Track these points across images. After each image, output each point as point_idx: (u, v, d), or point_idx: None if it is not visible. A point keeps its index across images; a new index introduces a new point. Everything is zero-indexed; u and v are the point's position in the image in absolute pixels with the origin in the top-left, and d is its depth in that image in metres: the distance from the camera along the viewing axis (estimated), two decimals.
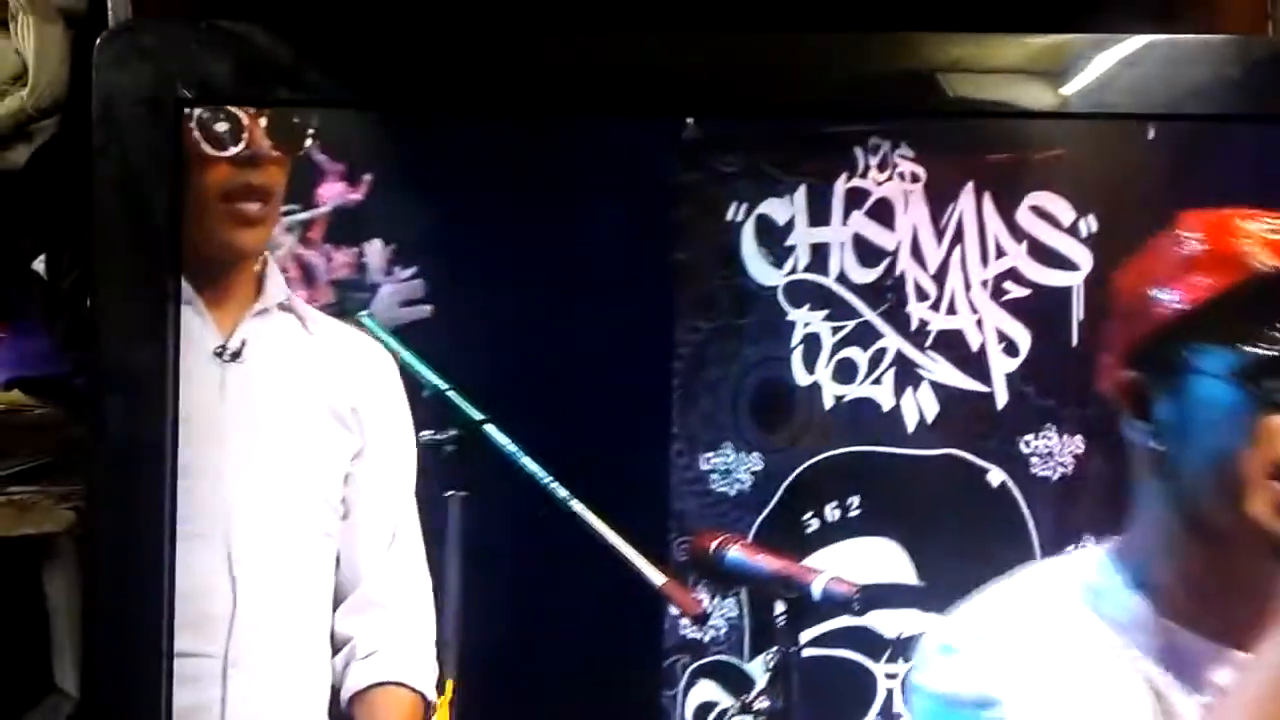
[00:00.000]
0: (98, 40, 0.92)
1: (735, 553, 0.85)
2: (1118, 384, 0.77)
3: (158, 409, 0.93)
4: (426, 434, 0.85)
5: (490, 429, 0.84)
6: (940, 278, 0.85)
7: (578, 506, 0.84)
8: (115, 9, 1.13)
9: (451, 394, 0.84)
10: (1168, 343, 0.73)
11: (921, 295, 0.85)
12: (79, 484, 1.39)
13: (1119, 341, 0.77)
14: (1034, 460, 0.86)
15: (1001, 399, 0.86)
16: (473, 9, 0.92)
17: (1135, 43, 0.79)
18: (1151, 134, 0.82)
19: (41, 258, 1.49)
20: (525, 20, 0.91)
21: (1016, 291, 0.85)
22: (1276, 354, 0.69)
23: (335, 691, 0.86)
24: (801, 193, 0.85)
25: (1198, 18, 0.92)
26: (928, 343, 0.85)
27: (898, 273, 0.85)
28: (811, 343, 0.86)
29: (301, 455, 0.85)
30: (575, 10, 0.89)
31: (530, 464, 0.84)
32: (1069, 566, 0.80)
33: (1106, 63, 0.79)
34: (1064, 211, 0.84)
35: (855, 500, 0.86)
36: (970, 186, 0.84)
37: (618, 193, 0.85)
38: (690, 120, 0.84)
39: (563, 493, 0.84)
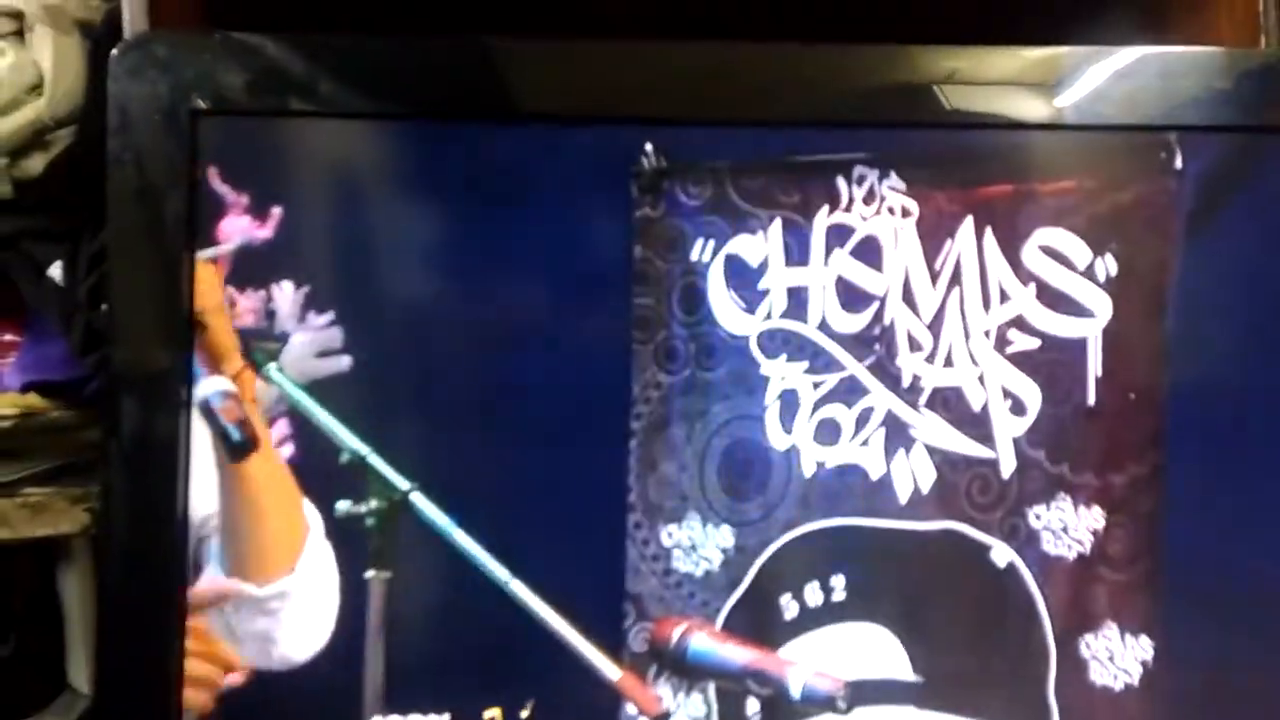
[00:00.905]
0: (114, 51, 0.84)
1: (701, 642, 0.71)
2: None
3: (171, 412, 0.84)
4: (344, 505, 0.71)
5: (417, 499, 0.70)
6: (936, 326, 0.70)
7: (519, 589, 0.69)
8: (131, 20, 1.14)
9: (373, 459, 0.70)
10: None
11: (914, 346, 0.70)
12: (94, 486, 1.33)
13: None
14: (1046, 536, 0.70)
15: (1007, 465, 0.70)
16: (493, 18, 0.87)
17: (1130, 54, 0.67)
18: (1179, 162, 0.66)
19: (58, 264, 1.43)
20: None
21: (1024, 342, 0.70)
22: None
23: None
24: (777, 229, 0.70)
25: (1190, 30, 0.80)
26: (922, 400, 0.70)
27: (887, 320, 0.70)
28: (789, 400, 0.71)
29: None
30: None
31: (464, 539, 0.69)
32: None
33: (1100, 75, 0.72)
34: (1078, 251, 0.69)
35: (840, 581, 0.71)
36: (969, 222, 0.69)
37: (567, 229, 0.72)
38: (649, 147, 0.70)
39: (502, 573, 0.69)
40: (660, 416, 0.71)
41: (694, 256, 0.71)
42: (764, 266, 0.70)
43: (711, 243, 0.71)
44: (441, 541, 0.70)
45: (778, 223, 0.70)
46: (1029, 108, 0.69)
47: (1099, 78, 0.70)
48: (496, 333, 0.71)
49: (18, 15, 1.39)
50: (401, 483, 0.70)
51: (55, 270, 1.54)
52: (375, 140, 0.78)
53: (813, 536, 0.70)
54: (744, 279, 0.71)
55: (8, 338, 1.47)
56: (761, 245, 0.70)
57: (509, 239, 0.71)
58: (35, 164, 1.42)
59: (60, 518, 1.38)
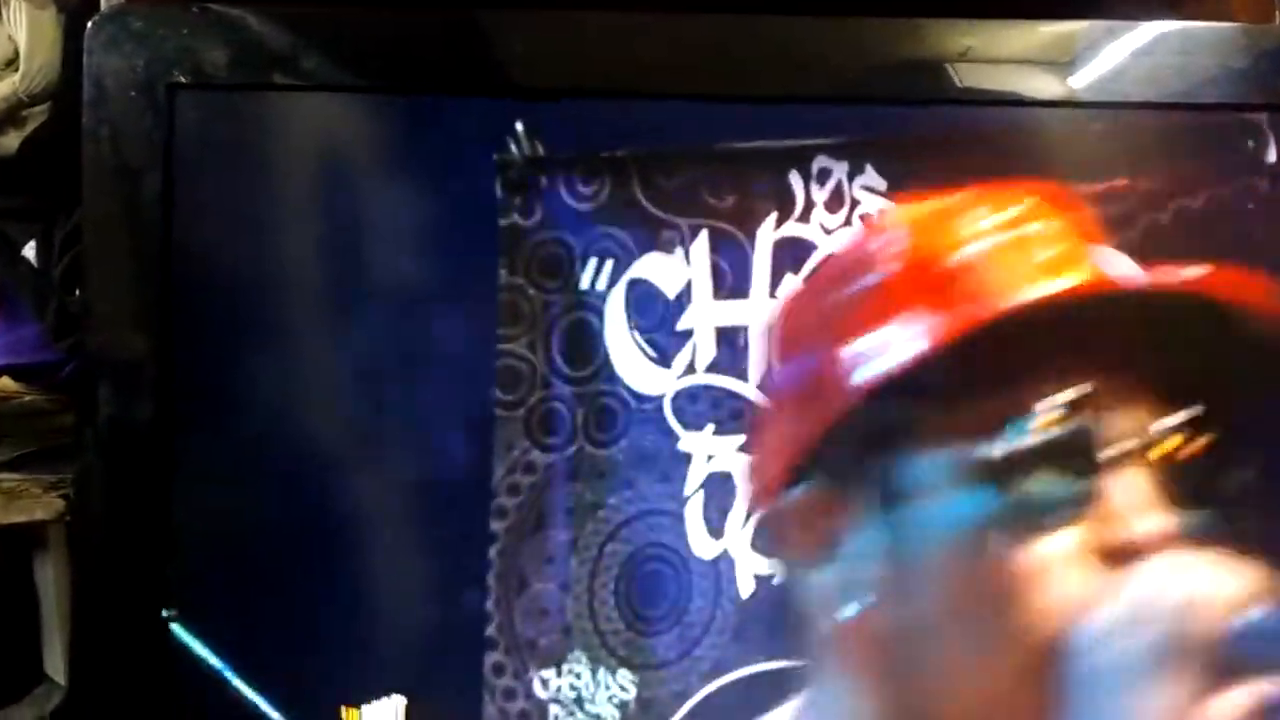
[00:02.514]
0: (89, 24, 0.81)
1: None
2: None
3: (148, 397, 0.80)
4: None
5: (178, 629, 0.54)
6: None
7: None
8: None
9: None
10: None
11: None
12: (68, 472, 1.30)
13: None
14: None
15: None
16: None
17: (1147, 31, 0.63)
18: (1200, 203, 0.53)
19: (32, 245, 1.40)
20: None
21: None
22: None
23: None
24: (702, 245, 0.49)
25: (1206, 6, 0.77)
26: None
27: None
28: (718, 488, 0.49)
29: None
30: None
31: (243, 686, 0.51)
32: None
33: (1117, 52, 0.62)
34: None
35: None
36: None
37: (409, 243, 0.52)
38: (520, 127, 0.49)
39: None
40: (533, 513, 0.48)
41: (584, 284, 0.49)
42: (683, 298, 0.49)
43: (609, 264, 0.49)
44: (213, 687, 0.52)
45: (703, 237, 0.48)
46: (1039, 85, 0.66)
47: (1115, 54, 0.67)
48: (301, 399, 0.52)
49: None
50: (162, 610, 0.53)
51: (30, 250, 1.50)
52: (357, 115, 0.75)
53: (749, 686, 0.48)
54: (655, 316, 0.49)
55: None
56: (680, 268, 0.48)
57: (327, 250, 0.54)
58: (9, 141, 1.39)
59: (34, 504, 1.35)
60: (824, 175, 0.48)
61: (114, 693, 0.95)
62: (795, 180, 0.48)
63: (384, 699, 0.48)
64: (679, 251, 0.48)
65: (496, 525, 0.48)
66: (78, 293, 1.35)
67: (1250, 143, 0.52)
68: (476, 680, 0.47)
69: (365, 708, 0.48)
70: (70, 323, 1.40)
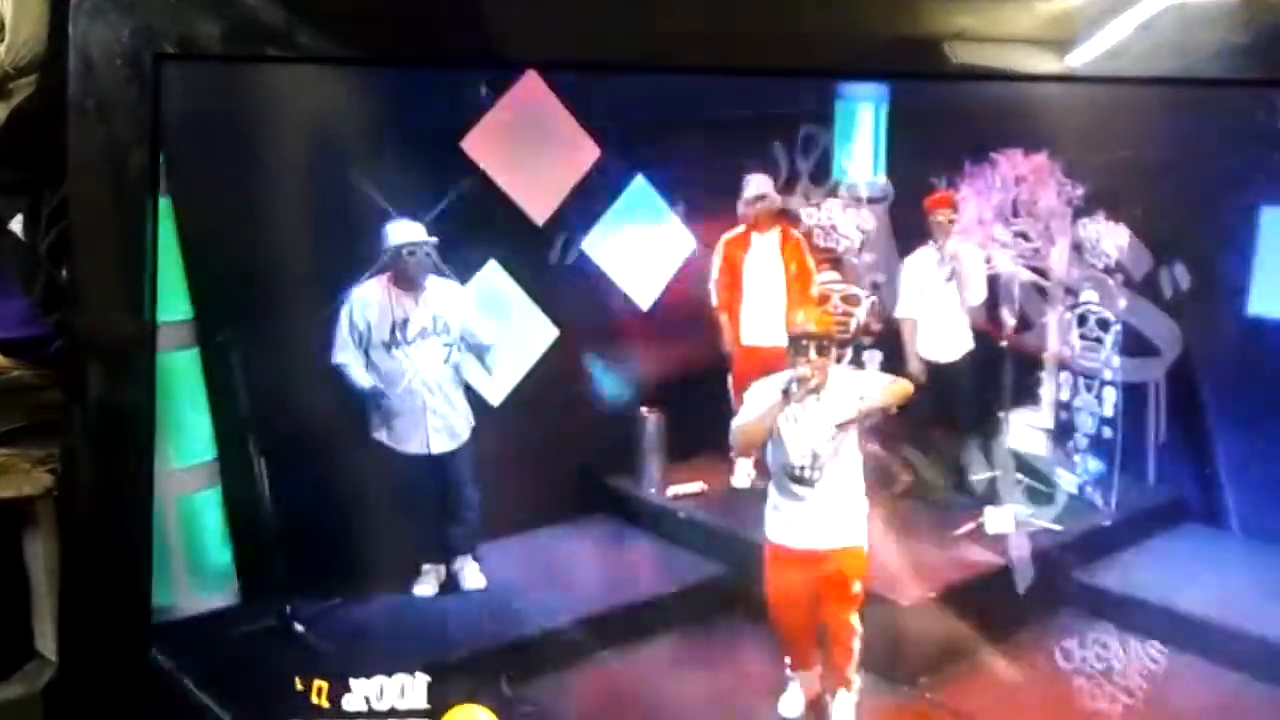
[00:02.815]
0: None
1: None
2: None
3: (134, 371, 0.82)
4: None
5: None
6: None
7: None
8: None
9: None
10: None
11: None
12: (56, 447, 1.29)
13: None
14: None
15: None
16: None
17: (1147, 6, 0.65)
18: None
19: (19, 218, 1.39)
20: None
21: None
22: None
23: None
24: None
25: None
26: None
27: None
28: None
29: None
30: None
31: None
32: None
33: (1118, 27, 0.64)
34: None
35: None
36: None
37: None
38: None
39: None
40: None
41: None
42: None
43: None
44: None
45: None
46: (1043, 60, 0.66)
47: (1118, 29, 0.67)
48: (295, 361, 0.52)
49: None
50: None
51: (16, 224, 1.49)
52: (344, 85, 0.74)
53: None
54: None
55: None
56: None
57: None
58: None
59: (22, 480, 1.35)
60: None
61: (103, 667, 0.95)
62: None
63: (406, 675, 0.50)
64: None
65: None
66: (65, 270, 1.33)
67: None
68: None
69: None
70: (58, 297, 1.39)
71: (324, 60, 0.90)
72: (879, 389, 1.43)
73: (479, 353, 1.45)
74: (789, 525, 1.45)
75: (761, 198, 1.48)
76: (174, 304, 1.11)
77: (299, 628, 1.31)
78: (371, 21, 0.84)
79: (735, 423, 1.44)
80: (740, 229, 1.56)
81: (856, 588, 1.42)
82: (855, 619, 1.42)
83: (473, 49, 0.79)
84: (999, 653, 1.37)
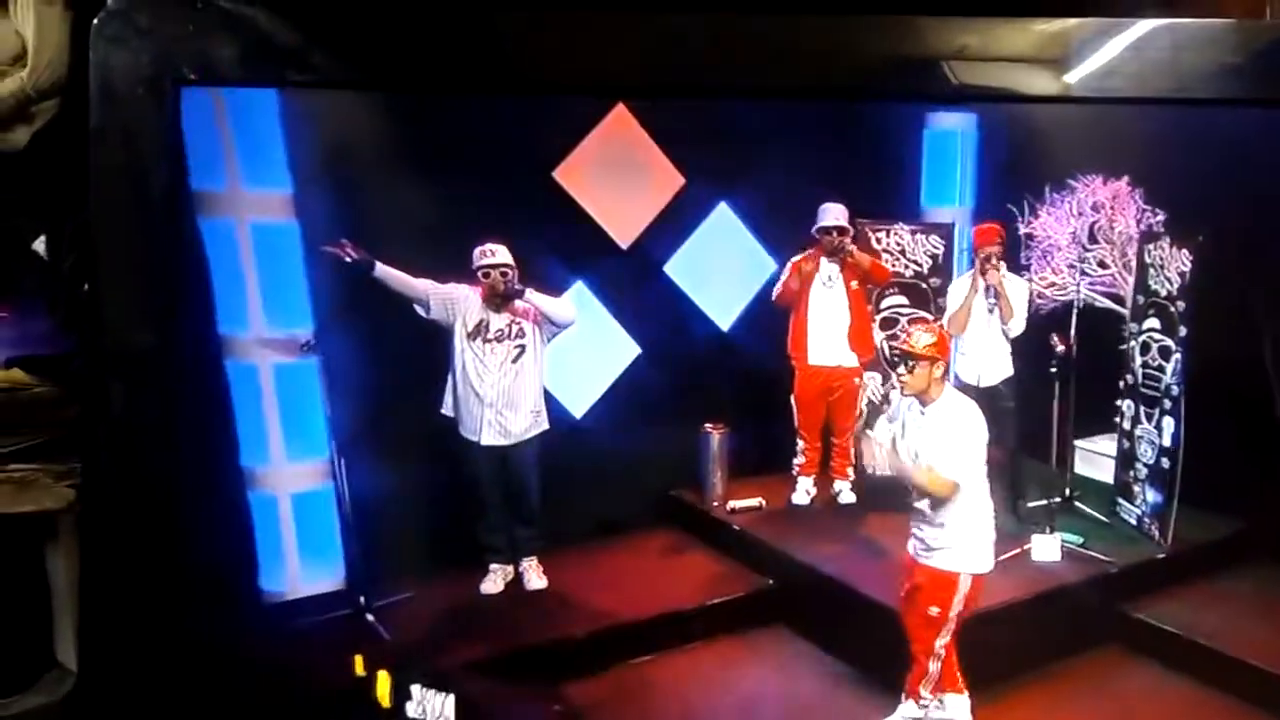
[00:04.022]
0: (95, 19, 0.82)
1: None
2: None
3: (157, 387, 0.83)
4: None
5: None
6: None
7: None
8: None
9: None
10: None
11: None
12: (78, 462, 1.31)
13: None
14: None
15: None
16: None
17: (1139, 28, 0.66)
18: None
19: (42, 239, 1.41)
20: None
21: None
22: None
23: None
24: None
25: (1198, 3, 0.79)
26: None
27: None
28: None
29: None
30: None
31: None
32: None
33: (1111, 48, 0.65)
34: None
35: None
36: None
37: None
38: None
39: None
40: None
41: None
42: None
43: None
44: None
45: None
46: (1037, 81, 0.67)
47: (1110, 50, 0.68)
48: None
49: None
50: None
51: (40, 244, 1.51)
52: (364, 109, 0.75)
53: None
54: None
55: None
56: None
57: None
58: (19, 136, 1.38)
59: (45, 494, 1.36)
60: None
61: (123, 677, 0.95)
62: None
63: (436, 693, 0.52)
64: None
65: None
66: (87, 285, 1.35)
67: None
68: None
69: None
70: (79, 316, 1.40)
71: (345, 86, 0.91)
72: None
73: (553, 334, 1.54)
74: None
75: (835, 226, 1.58)
76: (297, 317, 1.26)
77: (369, 617, 1.41)
78: (407, 47, 0.84)
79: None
80: (809, 252, 1.63)
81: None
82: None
83: (564, 83, 0.80)
84: (1030, 681, 1.37)
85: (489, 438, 1.56)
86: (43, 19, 1.27)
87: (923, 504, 1.43)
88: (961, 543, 1.41)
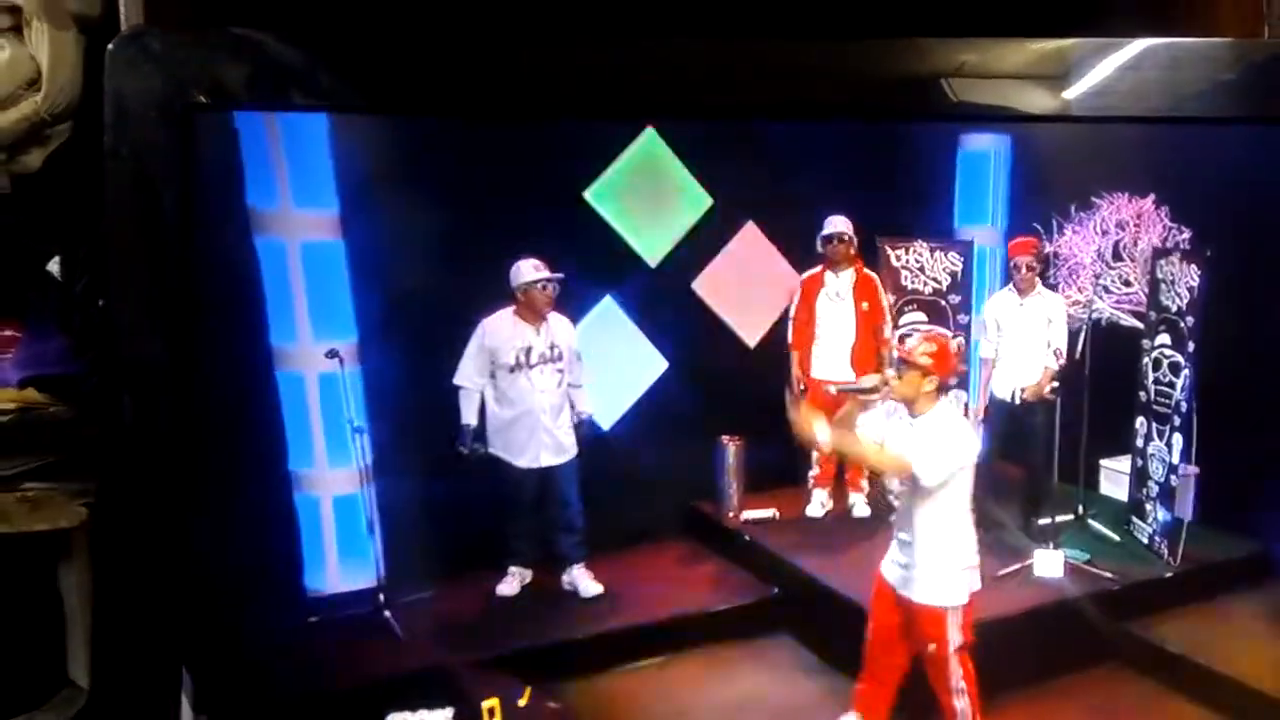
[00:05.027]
0: (109, 45, 0.84)
1: None
2: None
3: (170, 407, 0.84)
4: None
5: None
6: None
7: None
8: (128, 15, 1.05)
9: None
10: None
11: None
12: (92, 481, 1.32)
13: None
14: None
15: None
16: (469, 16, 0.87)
17: (1135, 46, 0.66)
18: None
19: (56, 260, 1.42)
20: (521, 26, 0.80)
21: None
22: None
23: None
24: None
25: (1195, 22, 0.80)
26: None
27: None
28: None
29: None
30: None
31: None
32: None
33: (1107, 67, 0.66)
34: None
35: None
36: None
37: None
38: None
39: None
40: None
41: None
42: None
43: None
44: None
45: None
46: (1034, 99, 0.67)
47: (1105, 69, 0.68)
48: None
49: (15, 10, 1.37)
50: None
51: (54, 265, 1.52)
52: (373, 133, 0.76)
53: None
54: None
55: (7, 333, 1.45)
56: None
57: None
58: (33, 159, 1.39)
59: (59, 512, 1.36)
60: None
61: (135, 696, 0.96)
62: None
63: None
64: None
65: None
66: (100, 305, 1.36)
67: None
68: None
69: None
70: (94, 335, 1.41)
71: (353, 110, 0.92)
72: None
73: (573, 386, 1.57)
74: None
75: (837, 236, 1.58)
76: (341, 328, 1.27)
77: (386, 614, 1.44)
78: (413, 72, 0.85)
79: None
80: (817, 269, 1.64)
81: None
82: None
83: (594, 106, 0.81)
84: (1026, 697, 1.35)
85: (547, 459, 1.57)
86: (57, 43, 1.29)
87: (904, 533, 1.41)
88: (935, 571, 1.39)
